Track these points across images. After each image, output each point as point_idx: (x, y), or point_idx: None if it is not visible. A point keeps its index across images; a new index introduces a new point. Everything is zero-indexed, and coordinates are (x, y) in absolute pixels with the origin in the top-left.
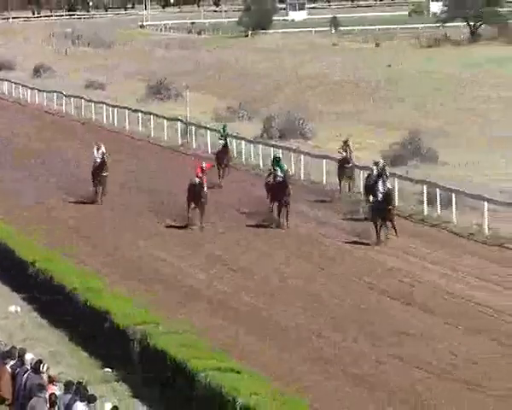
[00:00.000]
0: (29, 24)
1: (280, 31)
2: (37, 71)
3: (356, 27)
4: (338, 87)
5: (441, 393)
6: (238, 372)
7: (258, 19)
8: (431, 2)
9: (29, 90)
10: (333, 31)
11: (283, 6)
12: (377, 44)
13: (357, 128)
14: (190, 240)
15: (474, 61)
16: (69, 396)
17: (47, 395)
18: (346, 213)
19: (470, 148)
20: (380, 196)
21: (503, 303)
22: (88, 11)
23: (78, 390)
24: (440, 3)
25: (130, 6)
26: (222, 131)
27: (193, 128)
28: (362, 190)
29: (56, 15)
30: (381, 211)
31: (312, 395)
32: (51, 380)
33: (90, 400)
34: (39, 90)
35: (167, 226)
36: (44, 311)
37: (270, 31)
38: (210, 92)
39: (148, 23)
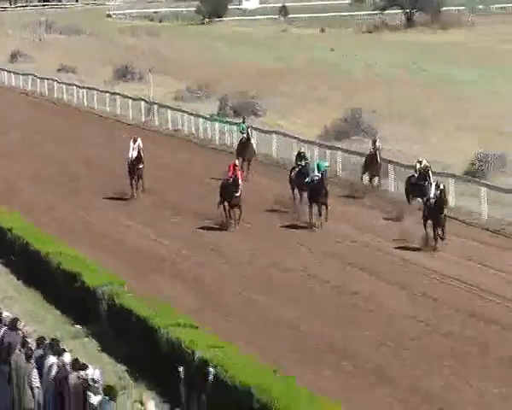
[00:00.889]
0: (6, 14)
1: (233, 18)
2: (13, 57)
3: (303, 15)
4: (289, 71)
5: None
6: (197, 327)
7: (213, 7)
8: None
9: (5, 73)
10: (282, 18)
11: None
12: (322, 30)
13: (304, 106)
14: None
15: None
16: (40, 351)
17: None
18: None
19: (403, 125)
20: (432, 200)
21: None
22: (60, 1)
23: (50, 345)
24: None
25: None
26: (242, 126)
27: (155, 107)
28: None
29: (32, 5)
30: (434, 217)
31: (260, 354)
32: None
33: (60, 353)
34: (15, 74)
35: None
36: (21, 274)
37: (226, 18)
38: (170, 75)
39: (115, 12)
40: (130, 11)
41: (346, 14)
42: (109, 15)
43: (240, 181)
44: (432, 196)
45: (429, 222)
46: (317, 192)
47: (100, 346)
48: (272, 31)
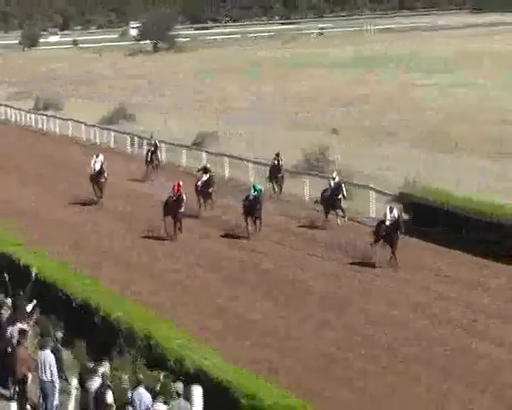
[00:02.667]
0: None
1: (42, 47)
2: None
3: (89, 45)
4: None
5: None
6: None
7: (30, 39)
8: (130, 30)
9: None
10: (75, 47)
11: (47, 32)
12: (100, 55)
13: (89, 102)
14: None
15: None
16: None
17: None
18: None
19: (159, 114)
20: (388, 222)
21: None
22: None
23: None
24: (136, 30)
25: None
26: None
27: None
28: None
29: None
30: (389, 237)
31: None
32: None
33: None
34: None
35: None
36: None
37: (40, 47)
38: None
39: None
40: None
41: (116, 43)
42: None
43: (184, 198)
44: (388, 218)
45: (384, 242)
46: (252, 208)
47: None
48: (67, 53)
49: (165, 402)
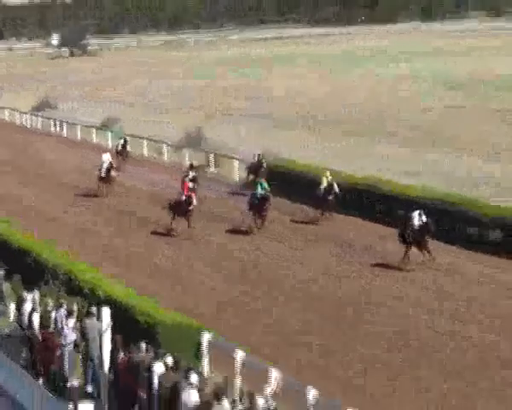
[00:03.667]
0: None
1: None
2: None
3: (23, 51)
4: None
5: None
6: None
7: None
8: (52, 40)
9: None
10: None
11: None
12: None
13: (21, 94)
14: None
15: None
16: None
17: None
18: None
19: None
20: (416, 227)
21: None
22: None
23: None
24: (56, 40)
25: None
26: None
27: None
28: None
29: None
30: (418, 240)
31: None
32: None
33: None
34: None
35: None
36: None
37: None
38: None
39: None
40: None
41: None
42: None
43: (194, 199)
44: (416, 223)
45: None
46: (262, 206)
47: None
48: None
49: (79, 320)
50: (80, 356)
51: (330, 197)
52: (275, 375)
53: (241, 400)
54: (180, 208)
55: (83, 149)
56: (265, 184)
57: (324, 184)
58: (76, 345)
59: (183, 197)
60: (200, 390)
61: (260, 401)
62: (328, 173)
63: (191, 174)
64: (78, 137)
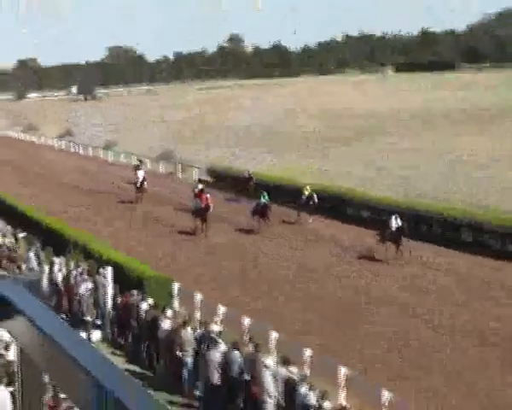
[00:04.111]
0: None
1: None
2: None
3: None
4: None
5: None
6: None
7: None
8: (72, 89)
9: None
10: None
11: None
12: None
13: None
14: None
15: None
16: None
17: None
18: None
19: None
20: (393, 228)
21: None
22: None
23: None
24: (75, 89)
25: None
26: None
27: None
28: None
29: None
30: (395, 238)
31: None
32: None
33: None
34: None
35: None
36: None
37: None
38: None
39: None
40: None
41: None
42: None
43: (211, 206)
44: (394, 226)
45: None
46: (264, 211)
47: None
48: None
49: (90, 276)
50: (92, 300)
51: (311, 203)
52: (222, 310)
53: (199, 327)
54: (200, 214)
55: (93, 160)
56: (267, 195)
57: (306, 193)
58: (90, 293)
59: (203, 205)
60: (172, 321)
61: (215, 328)
62: (308, 187)
63: (200, 186)
64: (90, 154)
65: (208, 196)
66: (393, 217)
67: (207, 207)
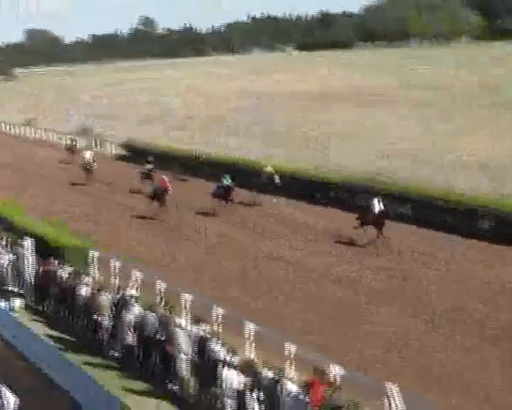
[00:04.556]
0: None
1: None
2: None
3: None
4: None
5: None
6: None
7: None
8: None
9: None
10: None
11: None
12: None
13: None
14: None
15: None
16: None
17: None
18: None
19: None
20: (376, 212)
21: None
22: None
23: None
24: None
25: None
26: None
27: None
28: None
29: None
30: (377, 222)
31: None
32: None
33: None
34: None
35: None
36: None
37: None
38: None
39: None
40: None
41: None
42: None
43: (169, 189)
44: (376, 209)
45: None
46: (227, 193)
47: None
48: None
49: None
50: (15, 271)
51: (274, 183)
52: (137, 274)
53: (117, 292)
54: (159, 196)
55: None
56: (229, 177)
57: (266, 173)
58: (12, 264)
59: (163, 189)
60: (89, 287)
61: (131, 292)
62: (269, 166)
63: (149, 166)
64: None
65: (164, 177)
66: (376, 200)
67: (166, 190)
